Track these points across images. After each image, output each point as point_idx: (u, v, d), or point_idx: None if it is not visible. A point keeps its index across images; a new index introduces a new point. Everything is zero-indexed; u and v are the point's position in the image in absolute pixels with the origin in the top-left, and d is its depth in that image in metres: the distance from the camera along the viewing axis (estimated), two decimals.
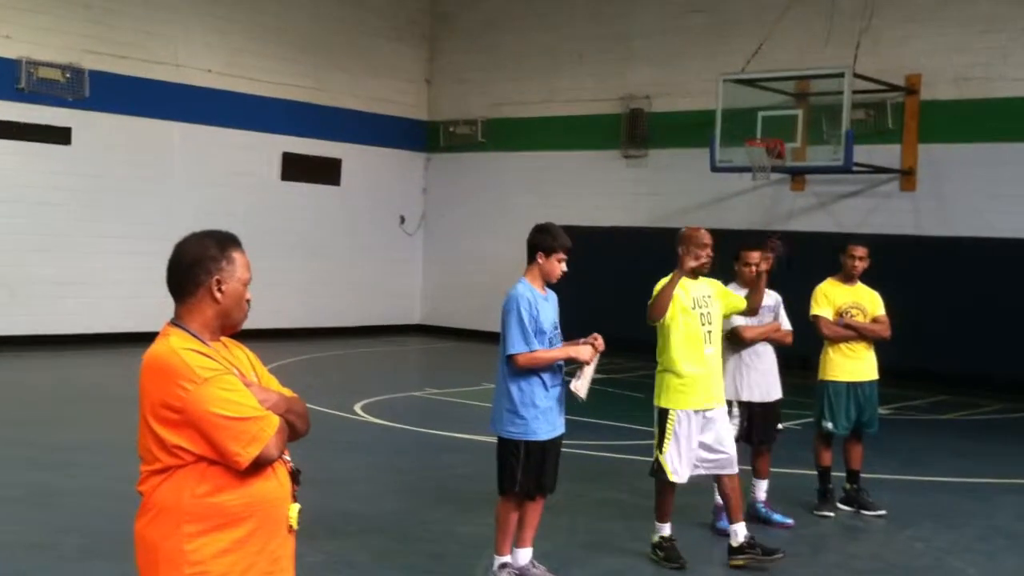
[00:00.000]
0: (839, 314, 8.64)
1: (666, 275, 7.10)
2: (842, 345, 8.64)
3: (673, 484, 7.05)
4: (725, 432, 7.22)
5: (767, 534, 8.01)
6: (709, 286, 7.26)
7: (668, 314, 6.99)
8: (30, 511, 8.05)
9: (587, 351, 6.29)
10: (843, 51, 17.00)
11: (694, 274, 7.13)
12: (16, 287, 17.61)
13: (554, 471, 6.50)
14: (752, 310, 7.66)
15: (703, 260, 7.06)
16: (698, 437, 7.05)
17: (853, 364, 8.65)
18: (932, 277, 16.40)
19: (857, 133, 16.52)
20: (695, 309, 7.04)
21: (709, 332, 7.09)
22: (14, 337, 17.45)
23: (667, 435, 6.99)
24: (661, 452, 7.01)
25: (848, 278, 8.74)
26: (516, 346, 6.22)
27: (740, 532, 7.13)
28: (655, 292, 7.06)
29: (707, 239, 7.14)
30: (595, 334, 6.37)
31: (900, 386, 14.26)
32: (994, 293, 16.08)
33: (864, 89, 17.01)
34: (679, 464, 7.00)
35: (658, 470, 7.05)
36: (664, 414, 7.04)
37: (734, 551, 7.14)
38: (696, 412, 7.04)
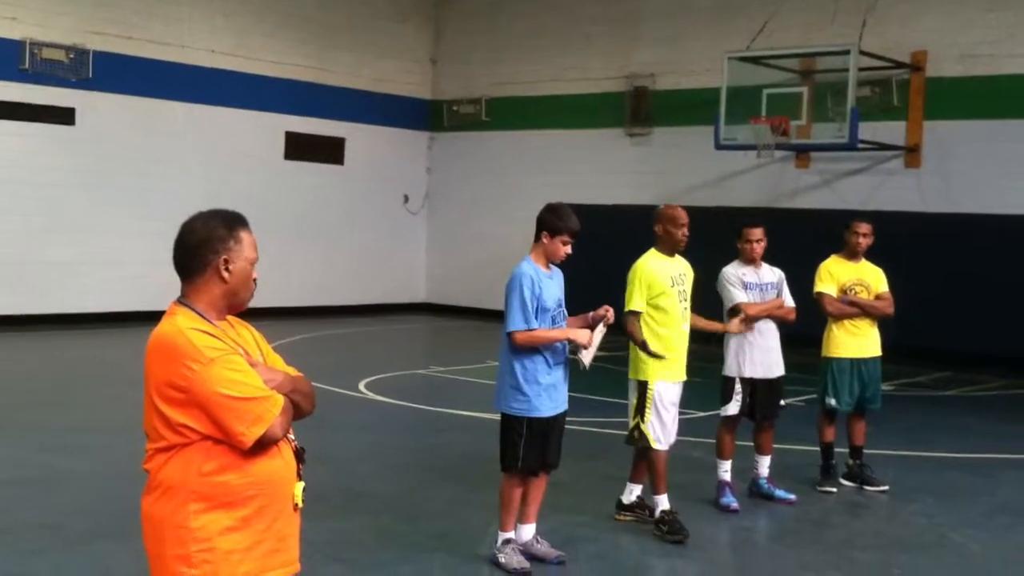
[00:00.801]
0: (843, 291, 8.65)
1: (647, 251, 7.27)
2: (846, 322, 8.65)
3: (659, 452, 7.15)
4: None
5: (770, 510, 8.08)
6: (684, 265, 7.37)
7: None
8: (39, 492, 8.08)
9: (584, 335, 6.31)
10: (849, 28, 16.96)
11: (671, 251, 7.28)
12: (22, 267, 17.65)
13: (558, 448, 6.54)
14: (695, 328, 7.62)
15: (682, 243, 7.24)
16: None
17: (857, 341, 8.67)
18: (937, 254, 16.39)
19: (862, 110, 16.49)
20: (673, 287, 7.17)
21: (685, 309, 7.23)
22: (21, 317, 17.51)
23: (648, 405, 7.12)
24: (644, 420, 7.13)
25: (852, 255, 8.75)
26: (515, 324, 6.26)
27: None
28: (633, 278, 7.14)
29: (684, 218, 7.27)
30: (606, 306, 6.42)
31: (904, 363, 14.27)
32: (999, 270, 16.07)
33: (869, 66, 16.98)
34: (661, 432, 7.15)
35: (639, 438, 7.18)
36: (643, 386, 7.16)
37: (624, 507, 7.53)
38: (673, 384, 7.20)
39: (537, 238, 6.43)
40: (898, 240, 13.97)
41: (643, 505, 7.48)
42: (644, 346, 7.07)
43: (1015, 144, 16.72)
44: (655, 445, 7.14)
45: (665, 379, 7.16)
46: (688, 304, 7.29)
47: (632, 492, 7.55)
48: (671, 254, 7.29)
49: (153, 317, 3.39)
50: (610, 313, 6.40)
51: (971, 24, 17.16)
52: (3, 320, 17.23)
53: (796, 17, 17.91)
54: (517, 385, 6.33)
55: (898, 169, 17.87)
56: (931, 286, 15.76)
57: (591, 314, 6.43)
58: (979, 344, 16.16)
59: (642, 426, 7.15)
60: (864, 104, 16.91)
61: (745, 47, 17.37)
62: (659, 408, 7.13)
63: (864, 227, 8.70)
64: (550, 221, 6.38)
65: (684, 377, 7.34)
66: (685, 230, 7.23)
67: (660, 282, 7.11)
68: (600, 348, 6.40)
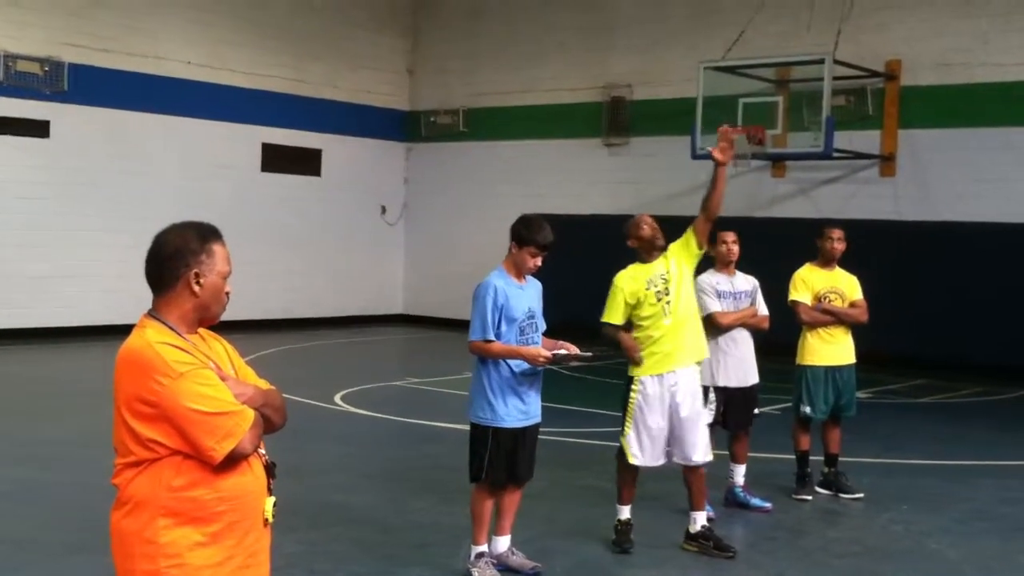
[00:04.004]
0: (817, 299, 8.69)
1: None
2: (820, 330, 8.68)
3: (635, 468, 7.08)
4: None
5: (746, 518, 8.09)
6: (662, 264, 7.10)
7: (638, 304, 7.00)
8: (12, 507, 8.03)
9: (533, 356, 6.23)
10: (824, 37, 17.05)
11: (651, 254, 7.10)
12: None
13: (529, 461, 6.50)
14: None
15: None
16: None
17: (831, 349, 8.70)
18: (911, 262, 16.49)
19: (837, 119, 16.59)
20: (649, 289, 6.98)
21: (668, 304, 6.97)
22: None
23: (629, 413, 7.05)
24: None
25: (827, 262, 8.78)
26: (472, 333, 6.33)
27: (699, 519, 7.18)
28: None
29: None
30: (567, 349, 6.32)
31: (878, 370, 14.32)
32: (973, 278, 16.17)
33: (844, 75, 17.07)
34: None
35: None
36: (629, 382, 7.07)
37: (690, 537, 7.20)
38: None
39: (510, 248, 6.45)
40: (873, 248, 14.05)
41: (708, 536, 7.16)
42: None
43: (989, 152, 16.83)
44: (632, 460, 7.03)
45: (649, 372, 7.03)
46: (672, 299, 7.03)
47: (696, 521, 7.20)
48: (647, 260, 7.17)
49: (129, 331, 3.36)
50: (573, 351, 6.28)
51: (945, 32, 17.28)
52: None
53: (771, 27, 18.00)
54: (484, 395, 6.33)
55: (873, 178, 17.96)
56: (906, 294, 15.84)
57: (560, 346, 6.34)
58: (954, 351, 16.24)
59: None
60: (839, 113, 17.01)
61: (721, 57, 17.45)
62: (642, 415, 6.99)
63: (837, 232, 8.77)
64: (518, 232, 6.39)
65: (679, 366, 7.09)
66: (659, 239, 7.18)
67: (640, 293, 7.05)
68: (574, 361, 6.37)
